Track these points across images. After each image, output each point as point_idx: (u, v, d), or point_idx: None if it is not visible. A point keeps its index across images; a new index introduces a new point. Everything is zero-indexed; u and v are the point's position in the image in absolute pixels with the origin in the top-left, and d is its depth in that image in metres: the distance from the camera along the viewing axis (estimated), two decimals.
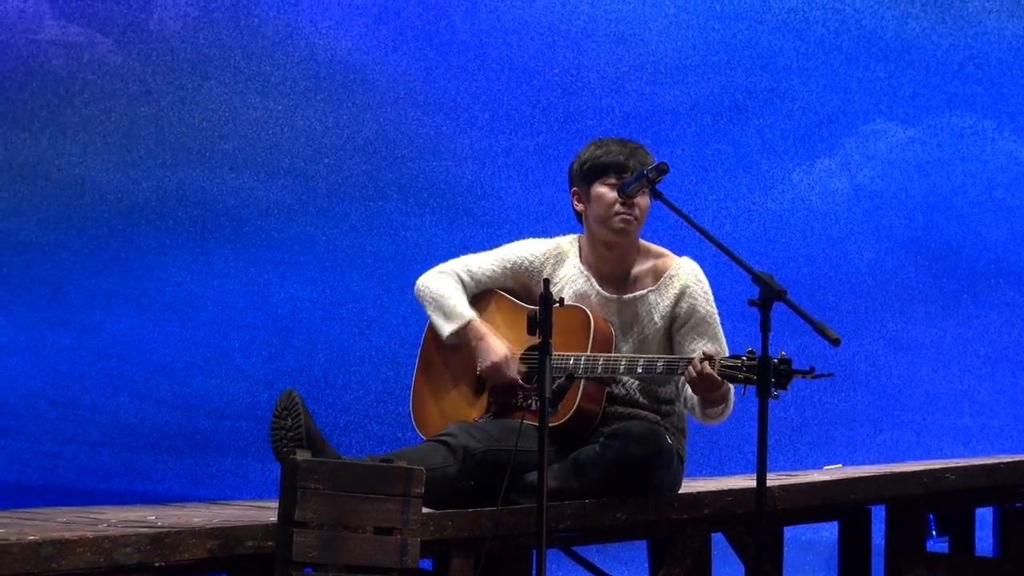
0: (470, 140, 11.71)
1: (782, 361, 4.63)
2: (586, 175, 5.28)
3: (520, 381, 5.26)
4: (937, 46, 11.72)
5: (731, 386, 5.08)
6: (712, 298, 5.29)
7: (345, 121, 11.72)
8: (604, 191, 5.24)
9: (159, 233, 11.60)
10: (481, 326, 5.32)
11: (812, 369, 4.62)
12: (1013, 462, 6.19)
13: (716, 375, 4.91)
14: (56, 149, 11.58)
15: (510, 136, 11.70)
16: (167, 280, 11.58)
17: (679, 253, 5.40)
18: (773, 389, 4.59)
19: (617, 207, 5.22)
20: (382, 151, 11.71)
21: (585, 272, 5.35)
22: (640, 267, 5.35)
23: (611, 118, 11.59)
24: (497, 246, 5.51)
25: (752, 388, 4.77)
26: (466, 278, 5.42)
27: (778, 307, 4.50)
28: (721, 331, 5.28)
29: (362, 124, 11.72)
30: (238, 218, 11.66)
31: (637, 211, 5.23)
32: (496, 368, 5.26)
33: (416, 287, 5.43)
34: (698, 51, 11.73)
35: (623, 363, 5.12)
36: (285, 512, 4.28)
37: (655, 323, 5.27)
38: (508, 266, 5.43)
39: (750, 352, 4.83)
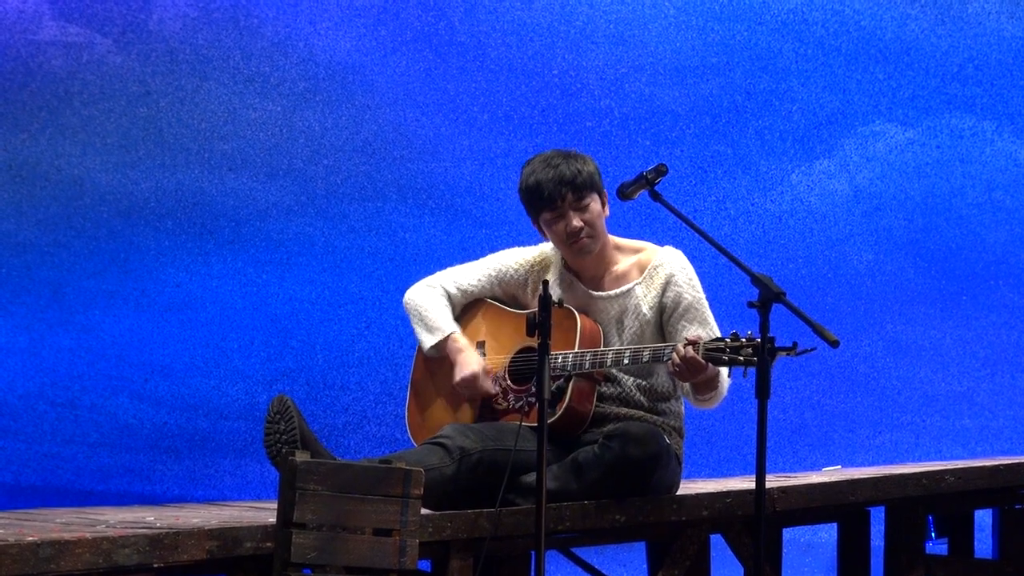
0: (469, 141, 11.71)
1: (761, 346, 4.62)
2: (528, 210, 5.31)
3: (494, 392, 5.29)
4: (936, 48, 11.73)
5: (720, 369, 5.09)
6: (698, 283, 5.30)
7: (344, 122, 11.72)
8: (549, 228, 5.26)
9: (158, 234, 11.60)
10: (461, 339, 5.36)
11: (795, 345, 4.62)
12: (1012, 464, 6.20)
13: (700, 359, 4.92)
14: (55, 150, 11.58)
15: (509, 137, 11.70)
16: (166, 281, 11.58)
17: (672, 247, 5.42)
18: (745, 368, 4.70)
19: (567, 238, 5.24)
20: (381, 152, 11.71)
21: (569, 276, 5.37)
22: (623, 263, 5.36)
23: (610, 119, 11.60)
24: (495, 247, 5.52)
25: (737, 369, 4.80)
26: (453, 290, 5.44)
27: (777, 308, 4.50)
28: (710, 315, 5.29)
29: (361, 125, 11.72)
30: (237, 219, 11.67)
31: (587, 229, 5.23)
32: (468, 382, 5.29)
33: (404, 300, 5.46)
34: (697, 52, 11.74)
35: (610, 356, 5.14)
36: (284, 513, 4.28)
37: (644, 315, 5.28)
38: (494, 276, 5.45)
39: (733, 334, 4.85)
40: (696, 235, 4.76)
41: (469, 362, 5.31)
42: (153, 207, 11.60)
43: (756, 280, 4.52)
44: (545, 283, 4.67)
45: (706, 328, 5.23)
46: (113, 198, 11.59)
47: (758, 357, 4.52)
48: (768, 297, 4.48)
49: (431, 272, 5.53)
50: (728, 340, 4.86)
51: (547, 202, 5.22)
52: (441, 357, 5.40)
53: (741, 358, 4.79)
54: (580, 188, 5.21)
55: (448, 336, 5.37)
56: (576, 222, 5.22)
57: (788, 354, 4.61)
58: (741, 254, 4.68)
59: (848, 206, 11.70)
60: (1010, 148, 11.65)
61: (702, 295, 5.30)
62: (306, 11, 11.73)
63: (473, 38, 11.76)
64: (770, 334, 4.58)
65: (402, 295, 5.49)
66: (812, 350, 4.58)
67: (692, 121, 11.71)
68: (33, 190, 11.57)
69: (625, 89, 11.70)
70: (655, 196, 4.95)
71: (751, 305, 4.51)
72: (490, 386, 5.29)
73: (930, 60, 11.72)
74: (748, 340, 4.79)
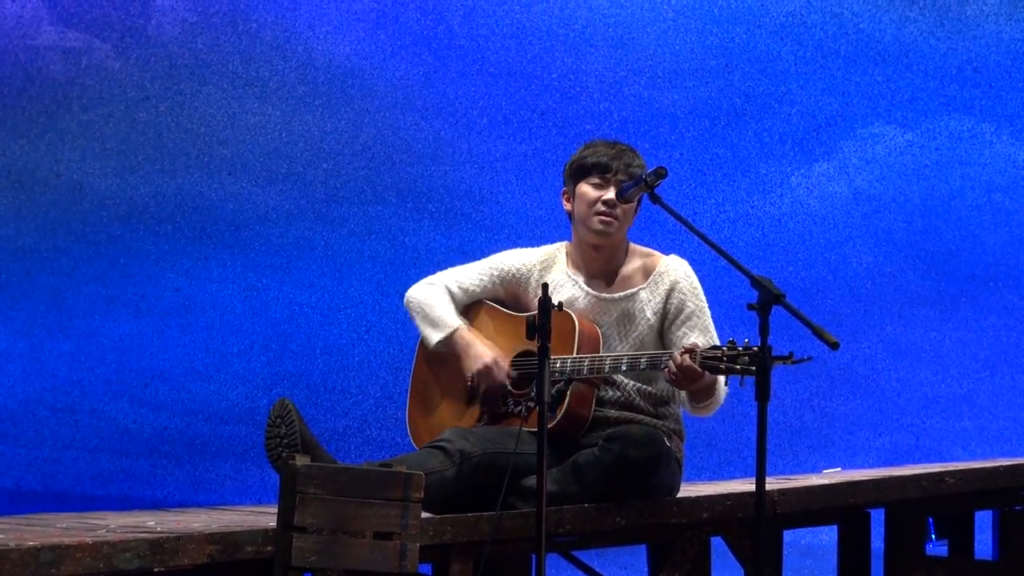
0: (468, 145, 11.72)
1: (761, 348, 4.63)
2: (573, 174, 5.35)
3: (509, 385, 5.29)
4: (935, 50, 11.73)
5: (717, 377, 5.10)
6: (701, 292, 5.34)
7: (343, 126, 11.72)
8: (587, 190, 5.30)
9: (158, 239, 11.60)
10: (468, 333, 5.35)
11: (791, 354, 4.63)
12: (1012, 465, 6.20)
13: (696, 367, 4.93)
14: (55, 155, 11.58)
15: (508, 141, 11.70)
16: (166, 285, 11.58)
17: (678, 256, 5.42)
18: (742, 377, 4.73)
19: (598, 207, 5.26)
20: (381, 156, 11.72)
21: (573, 276, 5.38)
22: (629, 266, 5.38)
23: (609, 122, 11.60)
24: (496, 251, 5.52)
25: (735, 378, 4.82)
26: (455, 290, 5.44)
27: (777, 311, 4.50)
28: (711, 324, 5.32)
29: (360, 129, 11.72)
30: (237, 223, 11.66)
31: (619, 211, 5.26)
32: (486, 371, 5.29)
33: (405, 298, 5.47)
34: (696, 55, 11.74)
35: (608, 362, 5.15)
36: (284, 517, 4.28)
37: (648, 319, 5.29)
38: (496, 276, 5.45)
39: (731, 342, 4.86)
40: (696, 238, 4.76)
41: (481, 354, 5.31)
42: (152, 212, 11.60)
43: (756, 282, 4.52)
44: (545, 286, 4.67)
45: (706, 337, 5.25)
46: (112, 203, 11.59)
47: (759, 360, 4.52)
48: (768, 299, 4.49)
49: (430, 275, 5.53)
50: (725, 348, 4.87)
51: (602, 168, 5.27)
52: (444, 356, 5.40)
53: (738, 367, 4.81)
54: (631, 176, 5.24)
55: (455, 330, 5.36)
56: (613, 195, 5.25)
57: (784, 363, 4.63)
58: (740, 256, 4.69)
59: (847, 208, 11.70)
60: (1009, 150, 11.65)
61: (705, 304, 5.33)
62: (305, 15, 11.74)
63: (472, 41, 11.76)
64: (768, 342, 4.59)
65: (402, 299, 5.49)
66: (808, 359, 4.59)
67: (691, 124, 11.72)
68: (32, 195, 11.57)
69: (624, 92, 11.71)
70: (654, 199, 4.96)
71: (751, 307, 4.51)
72: (505, 377, 5.29)
73: (929, 62, 11.72)
74: (745, 348, 4.80)
